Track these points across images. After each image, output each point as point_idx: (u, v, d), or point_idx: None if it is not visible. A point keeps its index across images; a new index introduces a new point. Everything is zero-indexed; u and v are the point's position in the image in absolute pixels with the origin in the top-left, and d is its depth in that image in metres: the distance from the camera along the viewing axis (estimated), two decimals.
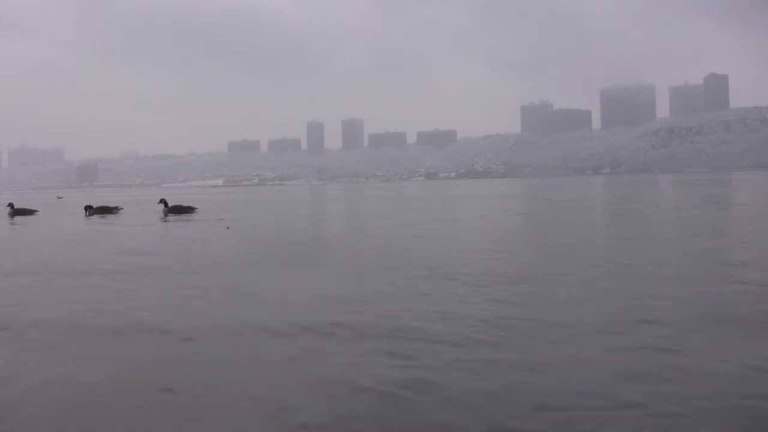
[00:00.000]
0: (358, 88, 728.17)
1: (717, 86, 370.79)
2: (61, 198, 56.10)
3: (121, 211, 29.47)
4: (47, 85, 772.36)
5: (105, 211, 28.92)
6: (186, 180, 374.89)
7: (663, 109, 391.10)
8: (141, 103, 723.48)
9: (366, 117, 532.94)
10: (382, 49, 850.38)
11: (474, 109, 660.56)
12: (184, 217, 26.40)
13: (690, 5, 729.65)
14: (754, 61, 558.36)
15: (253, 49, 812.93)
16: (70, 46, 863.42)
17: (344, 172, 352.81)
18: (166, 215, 26.76)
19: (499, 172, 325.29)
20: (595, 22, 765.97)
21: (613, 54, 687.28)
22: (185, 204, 29.27)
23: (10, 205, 30.34)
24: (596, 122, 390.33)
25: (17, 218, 28.24)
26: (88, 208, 29.17)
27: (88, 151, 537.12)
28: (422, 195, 56.46)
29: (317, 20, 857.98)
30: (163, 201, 28.12)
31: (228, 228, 20.18)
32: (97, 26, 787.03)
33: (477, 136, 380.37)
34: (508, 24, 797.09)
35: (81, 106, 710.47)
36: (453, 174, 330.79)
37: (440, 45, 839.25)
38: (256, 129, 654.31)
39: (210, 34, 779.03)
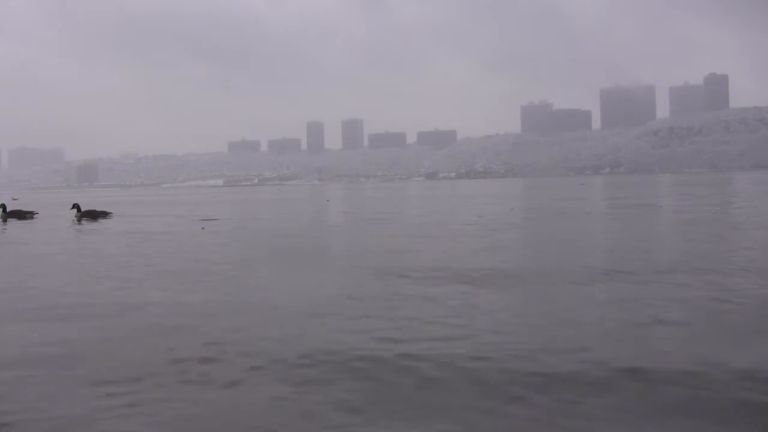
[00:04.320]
0: (357, 88, 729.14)
1: (717, 86, 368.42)
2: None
3: (36, 216, 27.42)
4: (47, 86, 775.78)
5: (17, 215, 26.90)
6: (186, 180, 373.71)
7: (663, 109, 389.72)
8: (140, 104, 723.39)
9: (366, 117, 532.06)
10: (382, 49, 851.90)
11: (474, 109, 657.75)
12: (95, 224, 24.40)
13: (690, 5, 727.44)
14: (754, 61, 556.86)
15: (253, 50, 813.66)
16: (70, 46, 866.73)
17: (344, 172, 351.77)
18: (79, 220, 25.06)
19: (499, 172, 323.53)
20: (595, 21, 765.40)
21: (613, 54, 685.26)
22: (99, 209, 27.38)
23: None
24: (596, 122, 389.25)
25: None
26: (1, 206, 26.92)
27: (88, 151, 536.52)
28: (423, 197, 54.09)
29: (318, 20, 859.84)
30: (75, 206, 26.13)
31: (203, 228, 20.47)
32: (97, 27, 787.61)
33: (477, 136, 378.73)
34: (509, 23, 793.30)
35: (81, 106, 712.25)
36: (453, 174, 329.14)
37: (440, 44, 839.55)
38: (256, 129, 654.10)
39: (211, 34, 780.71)
